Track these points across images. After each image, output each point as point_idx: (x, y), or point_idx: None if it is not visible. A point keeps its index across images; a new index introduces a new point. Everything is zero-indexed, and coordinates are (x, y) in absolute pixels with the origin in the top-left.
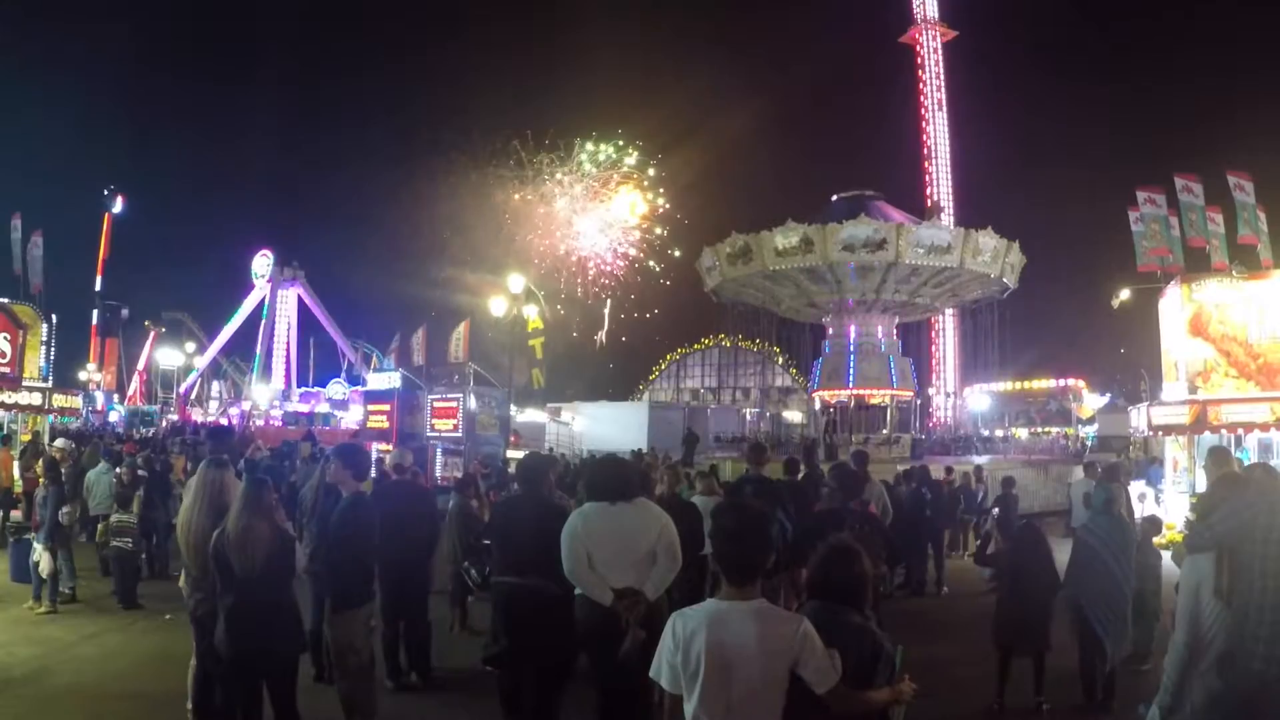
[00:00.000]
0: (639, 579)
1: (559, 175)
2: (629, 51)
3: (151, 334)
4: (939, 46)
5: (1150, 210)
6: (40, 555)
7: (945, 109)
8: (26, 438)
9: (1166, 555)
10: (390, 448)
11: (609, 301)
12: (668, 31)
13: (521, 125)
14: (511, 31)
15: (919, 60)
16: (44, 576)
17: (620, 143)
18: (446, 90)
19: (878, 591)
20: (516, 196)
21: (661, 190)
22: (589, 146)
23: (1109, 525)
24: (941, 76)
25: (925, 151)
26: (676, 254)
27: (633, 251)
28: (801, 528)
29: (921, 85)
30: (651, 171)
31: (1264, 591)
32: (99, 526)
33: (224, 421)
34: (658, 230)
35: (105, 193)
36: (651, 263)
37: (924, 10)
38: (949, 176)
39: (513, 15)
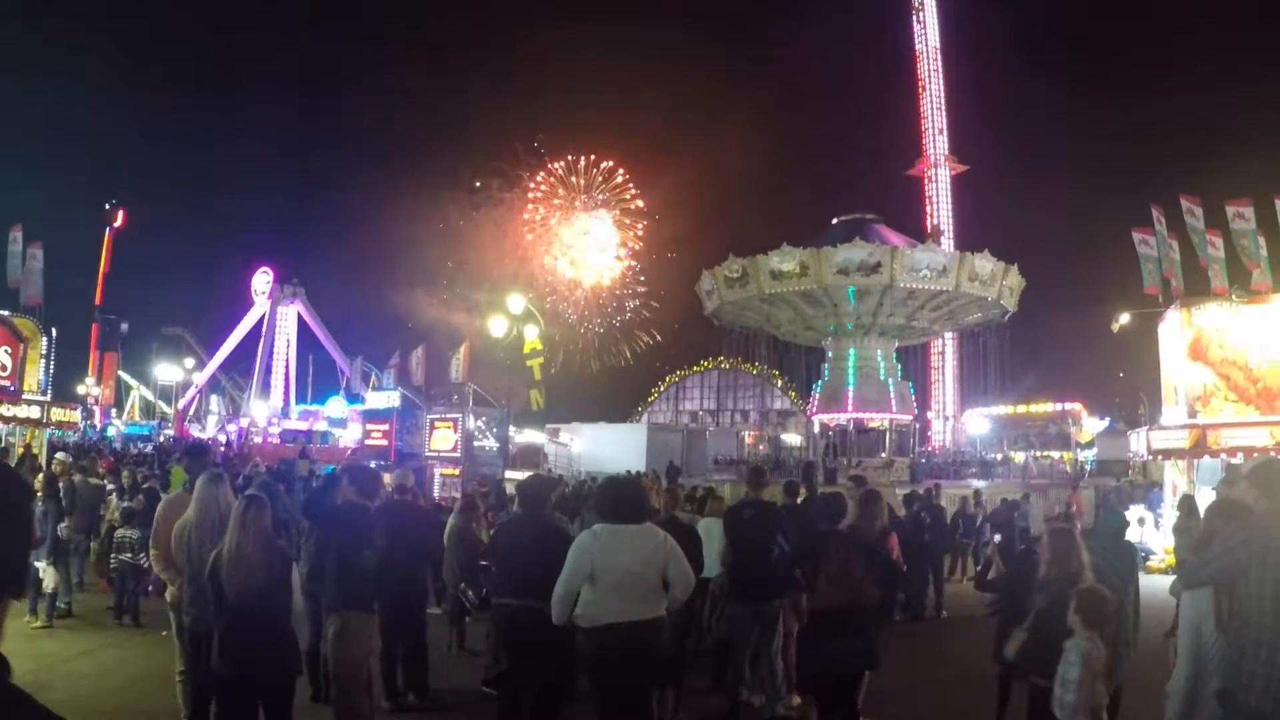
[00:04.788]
0: (645, 607)
1: (565, 197)
2: (634, 78)
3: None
4: (940, 67)
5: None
6: (44, 571)
7: (945, 133)
8: (21, 449)
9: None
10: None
11: (606, 325)
12: (666, 54)
13: (522, 149)
14: (514, 55)
15: (920, 84)
16: (46, 592)
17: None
18: (448, 111)
19: (883, 615)
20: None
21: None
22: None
23: (1116, 550)
24: (944, 110)
25: (926, 176)
26: (654, 303)
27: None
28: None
29: (922, 108)
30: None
31: (1260, 629)
32: (91, 545)
33: (223, 438)
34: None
35: (106, 206)
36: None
37: (931, 140)
38: (949, 200)
39: (520, 39)
